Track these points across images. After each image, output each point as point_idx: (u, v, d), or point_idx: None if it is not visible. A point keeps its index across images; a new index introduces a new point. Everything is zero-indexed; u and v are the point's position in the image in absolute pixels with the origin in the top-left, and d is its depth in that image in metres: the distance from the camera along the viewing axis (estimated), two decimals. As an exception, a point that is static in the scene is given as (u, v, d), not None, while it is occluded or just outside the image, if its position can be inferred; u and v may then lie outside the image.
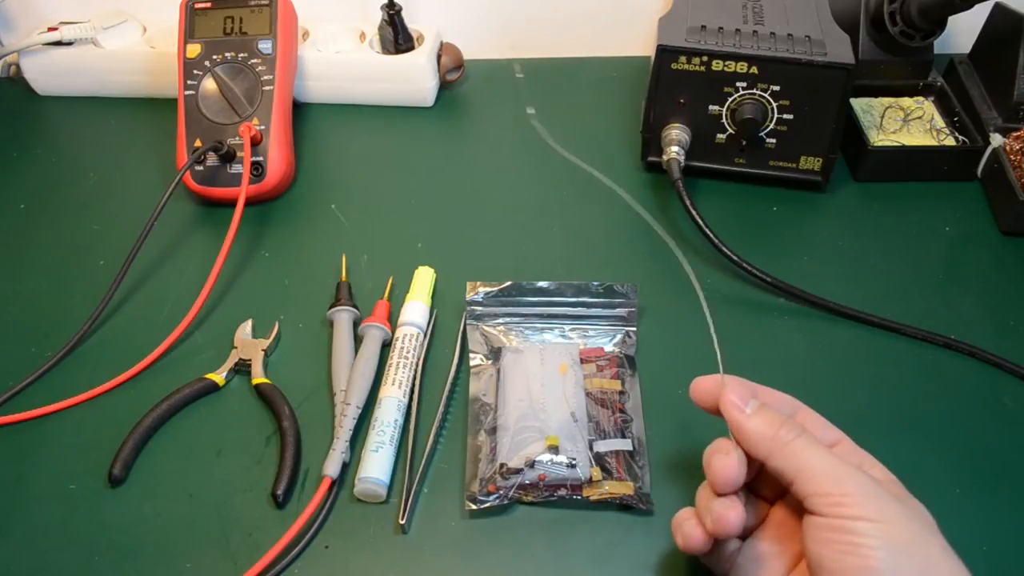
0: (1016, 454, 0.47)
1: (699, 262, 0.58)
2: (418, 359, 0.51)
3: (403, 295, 0.55)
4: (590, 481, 0.44)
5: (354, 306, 0.54)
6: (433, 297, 0.56)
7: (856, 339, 0.53)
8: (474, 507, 0.44)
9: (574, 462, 0.44)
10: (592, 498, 0.44)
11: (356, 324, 0.54)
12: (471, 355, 0.52)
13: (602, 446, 0.45)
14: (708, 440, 0.47)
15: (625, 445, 0.46)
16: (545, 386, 0.48)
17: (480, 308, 0.53)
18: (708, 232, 0.56)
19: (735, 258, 0.55)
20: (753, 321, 0.55)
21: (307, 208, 0.64)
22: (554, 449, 0.44)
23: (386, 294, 0.56)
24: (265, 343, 0.52)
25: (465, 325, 0.53)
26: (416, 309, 0.53)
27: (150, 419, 0.48)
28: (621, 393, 0.49)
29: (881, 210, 0.62)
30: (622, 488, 0.44)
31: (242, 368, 0.52)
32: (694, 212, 0.57)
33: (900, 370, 0.51)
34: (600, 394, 0.48)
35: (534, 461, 0.44)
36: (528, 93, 0.74)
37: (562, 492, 0.44)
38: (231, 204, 0.58)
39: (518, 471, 0.44)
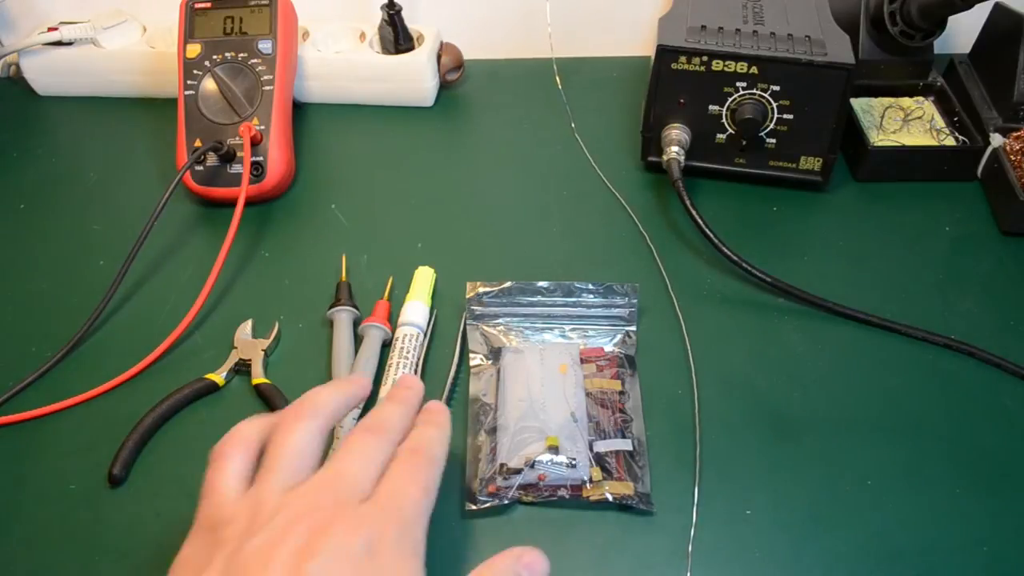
0: (1016, 454, 0.47)
1: (699, 262, 0.58)
2: (418, 359, 0.51)
3: (403, 295, 0.55)
4: (590, 481, 0.44)
5: (354, 306, 0.54)
6: (433, 297, 0.56)
7: (856, 339, 0.53)
8: (474, 507, 0.44)
9: (574, 462, 0.44)
10: (592, 498, 0.44)
11: (356, 324, 0.54)
12: (471, 355, 0.52)
13: (602, 446, 0.45)
14: (708, 440, 0.48)
15: (625, 445, 0.46)
16: (545, 386, 0.48)
17: (480, 308, 0.53)
18: (708, 232, 0.56)
19: (735, 258, 0.55)
20: (753, 321, 0.55)
21: (307, 208, 0.64)
22: (554, 449, 0.44)
23: (386, 294, 0.56)
24: (265, 343, 0.52)
25: (465, 325, 0.53)
26: (416, 309, 0.53)
27: (150, 419, 0.48)
28: (621, 393, 0.49)
29: (881, 210, 0.62)
30: (622, 488, 0.44)
31: (242, 368, 0.52)
32: (694, 212, 0.57)
33: (900, 370, 0.51)
34: (600, 394, 0.48)
35: (534, 461, 0.44)
36: (529, 93, 0.75)
37: (562, 492, 0.44)
38: (231, 204, 0.58)
39: (518, 471, 0.44)
